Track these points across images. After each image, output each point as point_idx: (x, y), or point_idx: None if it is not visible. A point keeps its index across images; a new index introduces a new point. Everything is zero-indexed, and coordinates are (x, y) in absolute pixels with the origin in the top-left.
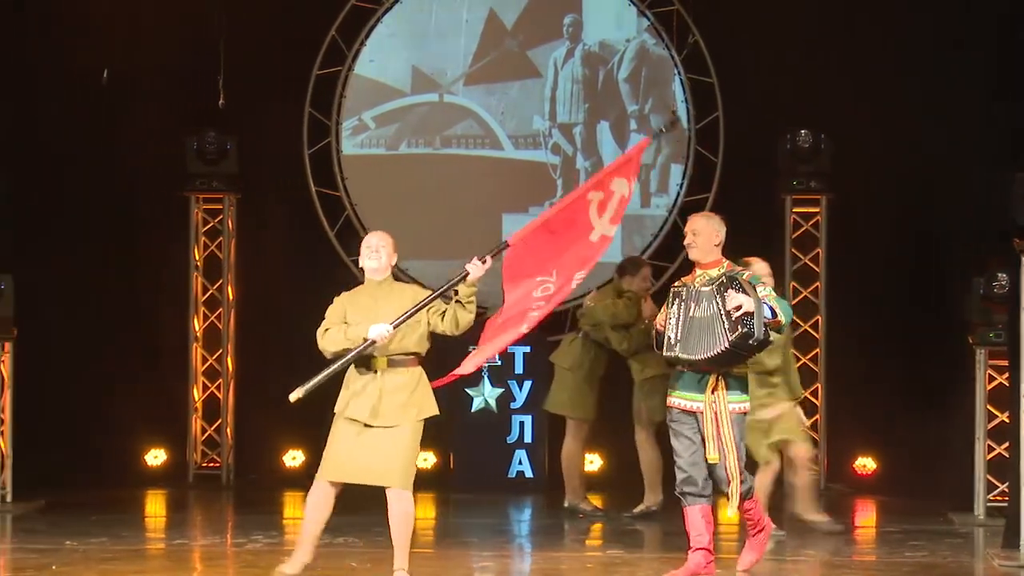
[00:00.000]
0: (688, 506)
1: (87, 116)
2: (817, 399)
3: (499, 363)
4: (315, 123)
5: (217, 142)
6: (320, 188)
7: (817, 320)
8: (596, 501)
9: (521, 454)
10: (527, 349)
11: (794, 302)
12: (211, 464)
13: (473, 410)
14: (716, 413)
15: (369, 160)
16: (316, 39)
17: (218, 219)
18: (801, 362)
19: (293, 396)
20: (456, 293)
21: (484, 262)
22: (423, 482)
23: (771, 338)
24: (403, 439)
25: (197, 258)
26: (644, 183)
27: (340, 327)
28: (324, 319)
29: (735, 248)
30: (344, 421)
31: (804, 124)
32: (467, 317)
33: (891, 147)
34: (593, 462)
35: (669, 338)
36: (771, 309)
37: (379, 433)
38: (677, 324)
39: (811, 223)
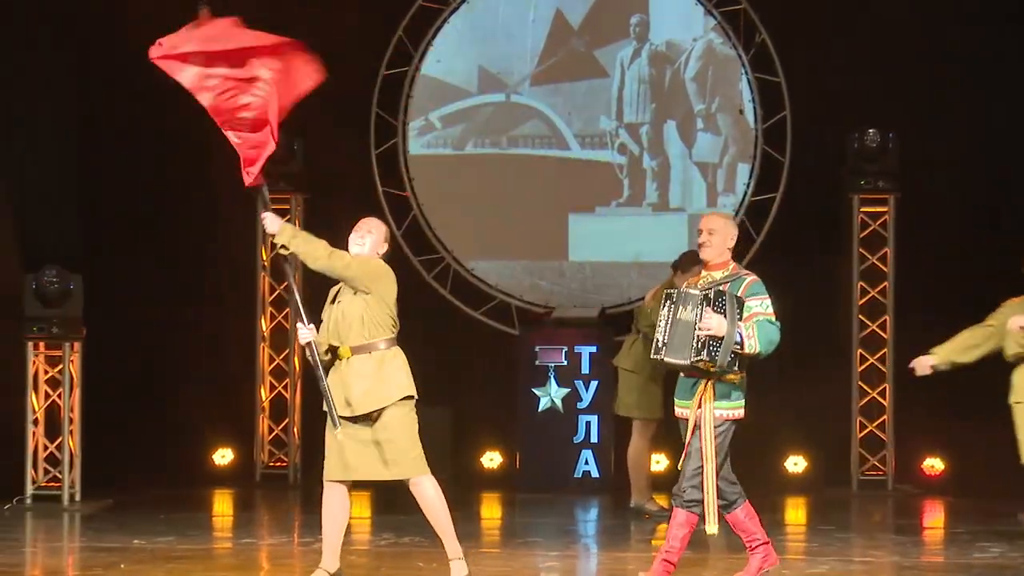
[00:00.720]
0: (676, 509)
1: (155, 116)
2: (885, 399)
3: (565, 363)
4: (382, 123)
5: (284, 142)
6: (387, 188)
7: (885, 320)
8: (662, 501)
9: (587, 454)
10: (593, 349)
11: (861, 302)
12: (278, 463)
13: (540, 410)
14: (698, 420)
15: (435, 160)
16: (383, 39)
17: (285, 219)
18: (869, 362)
19: (339, 434)
20: None
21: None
22: (490, 482)
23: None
24: (391, 427)
25: (264, 258)
26: (711, 183)
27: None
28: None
29: (802, 248)
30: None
31: (872, 123)
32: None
33: (959, 145)
34: (659, 462)
35: (657, 340)
36: (741, 338)
37: (365, 427)
38: (666, 327)
39: (879, 223)
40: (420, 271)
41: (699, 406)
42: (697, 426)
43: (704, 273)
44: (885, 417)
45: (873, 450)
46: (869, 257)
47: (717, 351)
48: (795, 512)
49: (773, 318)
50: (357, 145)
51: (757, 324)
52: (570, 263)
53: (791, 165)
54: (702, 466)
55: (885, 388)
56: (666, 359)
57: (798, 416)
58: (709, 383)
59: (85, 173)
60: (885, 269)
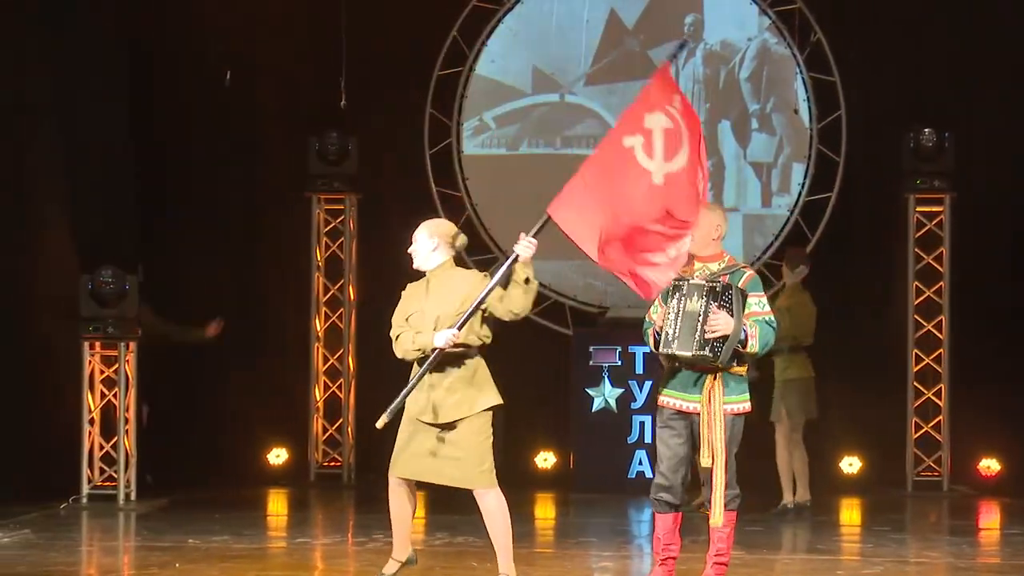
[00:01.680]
0: (661, 513)
1: (210, 117)
2: (941, 399)
3: (619, 363)
4: (436, 123)
5: (339, 143)
6: (441, 188)
7: (941, 320)
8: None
9: (641, 454)
10: (647, 349)
11: (917, 301)
12: (332, 463)
13: (593, 410)
14: (711, 414)
15: (490, 160)
16: (437, 39)
17: (339, 219)
18: (924, 363)
19: (380, 423)
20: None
21: (531, 240)
22: (543, 482)
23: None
24: (468, 437)
25: (319, 258)
26: (765, 183)
27: (408, 332)
28: (392, 323)
29: (857, 248)
30: (407, 419)
31: (928, 122)
32: (521, 300)
33: (1015, 145)
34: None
35: (667, 334)
36: (746, 335)
37: (444, 432)
38: (675, 319)
39: (935, 222)
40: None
41: (709, 401)
42: (705, 420)
43: (699, 265)
44: (940, 418)
45: (928, 451)
46: (924, 257)
47: (721, 348)
48: (850, 513)
49: (771, 317)
50: (412, 145)
51: (758, 324)
52: None
53: (846, 165)
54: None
55: (941, 388)
56: (677, 352)
57: (853, 417)
58: (718, 377)
59: (141, 174)
60: (941, 269)
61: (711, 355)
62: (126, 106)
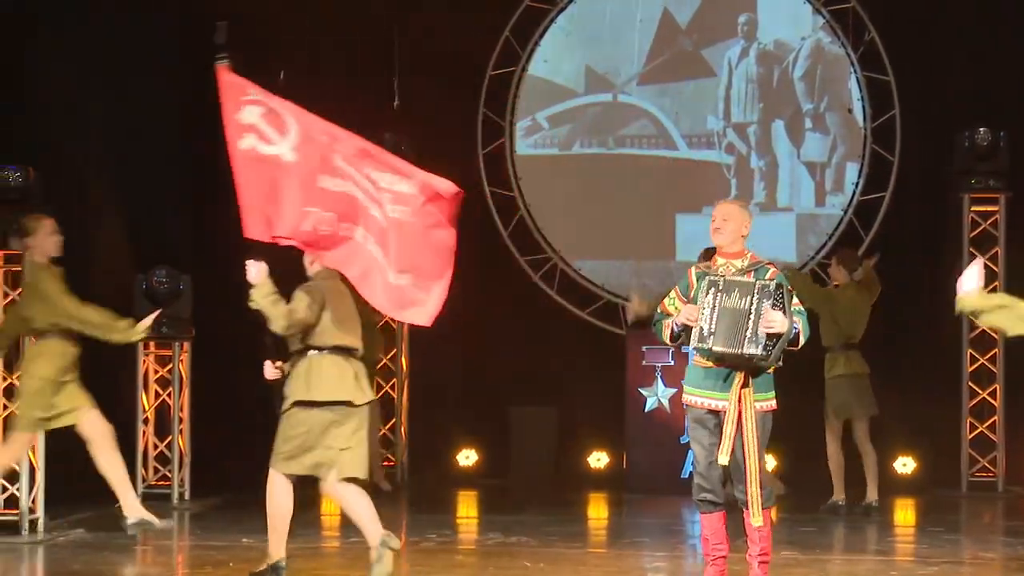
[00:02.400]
0: (706, 513)
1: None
2: (996, 400)
3: (672, 363)
4: (489, 123)
5: (392, 143)
6: (494, 188)
7: None
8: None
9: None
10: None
11: None
12: (385, 463)
13: (647, 410)
14: (740, 412)
15: (542, 160)
16: (490, 39)
17: None
18: (979, 363)
19: None
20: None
21: (250, 264)
22: (597, 482)
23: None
24: None
25: None
26: (819, 182)
27: None
28: None
29: (912, 248)
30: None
31: (982, 121)
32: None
33: None
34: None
35: (702, 329)
36: (796, 332)
37: None
38: (712, 315)
39: (989, 222)
40: (527, 271)
41: (740, 399)
42: (733, 418)
43: (722, 260)
44: (996, 418)
45: (983, 451)
46: (979, 256)
47: (773, 348)
48: (904, 513)
49: (803, 308)
50: (464, 145)
51: (800, 316)
52: (677, 263)
53: (900, 164)
54: (741, 460)
55: (996, 389)
56: (715, 348)
57: (907, 417)
58: (748, 375)
59: (196, 173)
60: (996, 269)
61: (763, 353)
62: (182, 108)
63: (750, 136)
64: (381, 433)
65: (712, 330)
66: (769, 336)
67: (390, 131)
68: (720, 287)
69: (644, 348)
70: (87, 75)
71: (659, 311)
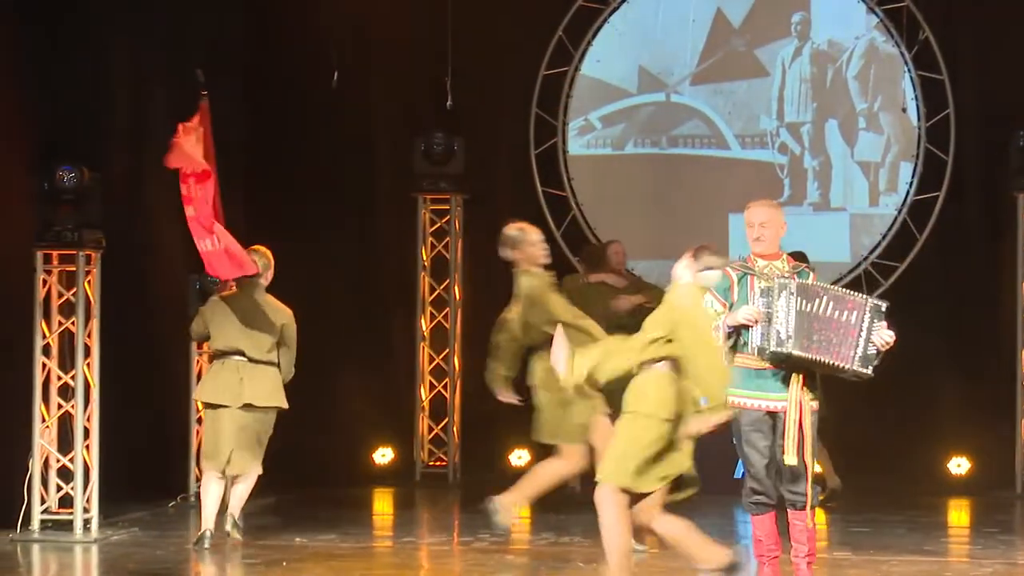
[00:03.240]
0: (759, 515)
1: (316, 117)
2: None
3: None
4: (541, 123)
5: (444, 143)
6: (546, 188)
7: None
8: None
9: None
10: None
11: None
12: (438, 463)
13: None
14: (800, 412)
15: (595, 160)
16: (543, 39)
17: (445, 219)
18: None
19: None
20: None
21: None
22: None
23: None
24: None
25: (424, 258)
26: (873, 182)
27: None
28: None
29: (966, 247)
30: None
31: None
32: None
33: None
34: None
35: (779, 332)
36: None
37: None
38: (787, 319)
39: None
40: (579, 270)
41: (799, 400)
42: (794, 418)
43: (763, 263)
44: None
45: None
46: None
47: (876, 365)
48: (958, 514)
49: None
50: (517, 145)
51: None
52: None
53: (954, 163)
54: (798, 460)
55: None
56: (794, 352)
57: (962, 418)
58: (803, 376)
59: (248, 172)
60: None
61: (870, 370)
62: (236, 105)
63: (803, 136)
64: (434, 433)
65: (789, 334)
66: (876, 357)
67: (443, 130)
68: (791, 290)
69: None
70: (144, 73)
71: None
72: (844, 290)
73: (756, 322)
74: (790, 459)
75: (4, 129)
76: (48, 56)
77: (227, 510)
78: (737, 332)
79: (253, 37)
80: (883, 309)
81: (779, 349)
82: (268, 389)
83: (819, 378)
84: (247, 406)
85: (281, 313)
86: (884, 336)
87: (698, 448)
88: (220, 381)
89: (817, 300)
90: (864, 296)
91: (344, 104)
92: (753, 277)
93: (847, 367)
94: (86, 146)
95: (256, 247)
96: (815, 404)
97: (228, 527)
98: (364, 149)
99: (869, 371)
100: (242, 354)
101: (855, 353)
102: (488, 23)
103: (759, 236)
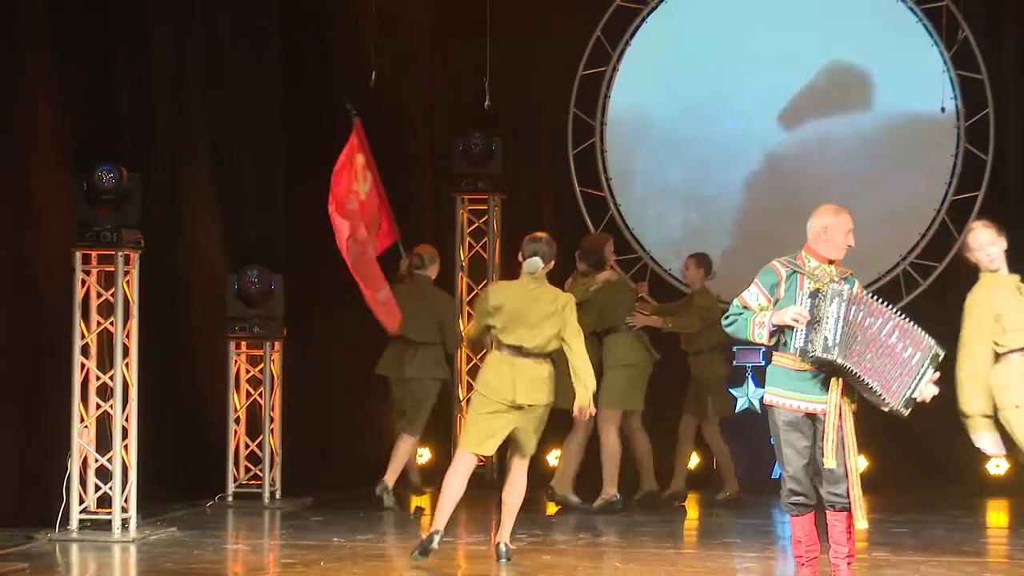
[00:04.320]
0: (798, 516)
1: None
2: None
3: (763, 364)
4: (579, 123)
5: (483, 143)
6: (584, 188)
7: None
8: None
9: None
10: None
11: None
12: (477, 464)
13: (737, 411)
14: (841, 415)
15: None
16: (581, 39)
17: (483, 219)
18: None
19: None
20: None
21: None
22: (687, 482)
23: None
24: None
25: (462, 258)
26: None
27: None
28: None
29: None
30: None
31: None
32: None
33: None
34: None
35: (826, 339)
36: None
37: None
38: (836, 326)
39: None
40: (617, 271)
41: (840, 403)
42: (833, 420)
43: (814, 262)
44: None
45: None
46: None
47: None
48: (996, 515)
49: None
50: (555, 145)
51: None
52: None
53: (994, 163)
54: (840, 462)
55: None
56: (837, 360)
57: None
58: (843, 380)
59: (289, 172)
60: None
61: (905, 411)
62: (278, 105)
63: None
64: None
65: (836, 341)
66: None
67: (481, 130)
68: (844, 297)
69: (734, 348)
70: (184, 75)
71: (736, 304)
72: (912, 323)
73: (802, 323)
74: (829, 462)
75: (43, 130)
76: (87, 56)
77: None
78: (780, 330)
79: (292, 38)
80: (940, 358)
81: (824, 355)
82: None
83: None
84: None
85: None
86: (930, 391)
87: (735, 450)
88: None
89: (880, 320)
90: (928, 338)
91: (382, 104)
92: (803, 276)
93: (891, 403)
94: (125, 146)
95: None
96: (854, 406)
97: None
98: (402, 149)
99: (906, 412)
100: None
101: (904, 393)
102: (526, 23)
103: (851, 243)
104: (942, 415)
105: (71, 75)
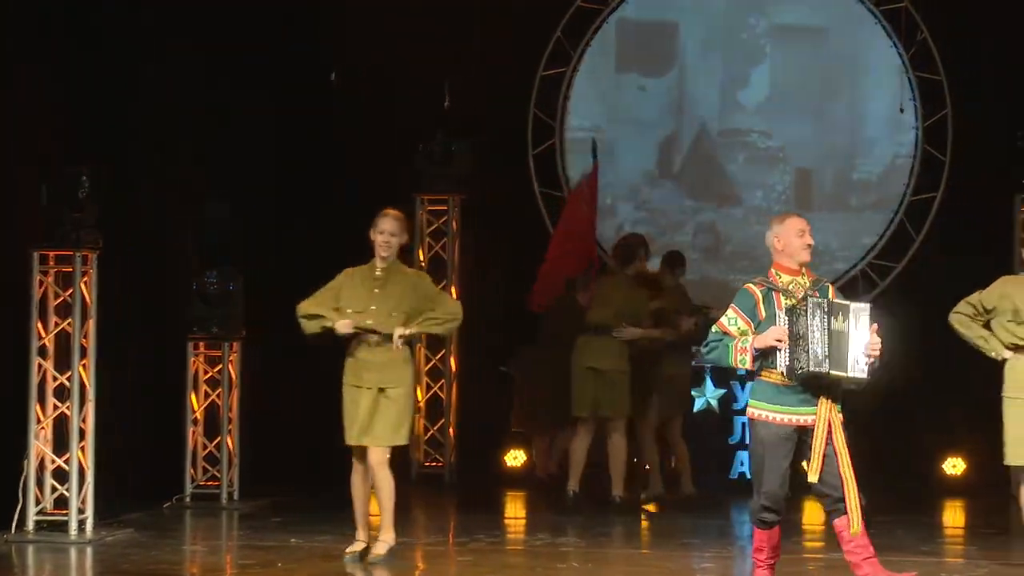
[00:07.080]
0: (767, 530)
1: (319, 118)
2: None
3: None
4: (539, 124)
5: (443, 144)
6: (544, 189)
7: None
8: None
9: (743, 455)
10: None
11: None
12: (434, 463)
13: (695, 411)
14: (830, 426)
15: None
16: (541, 41)
17: (443, 220)
18: None
19: None
20: None
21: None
22: (646, 482)
23: None
24: None
25: (422, 259)
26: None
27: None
28: None
29: (963, 248)
30: None
31: None
32: None
33: None
34: None
35: (816, 353)
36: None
37: None
38: (824, 338)
39: None
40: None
41: (830, 414)
42: (821, 433)
43: (787, 277)
44: None
45: None
46: None
47: (872, 370)
48: (953, 515)
49: None
50: (515, 146)
51: None
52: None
53: (952, 164)
54: (836, 472)
55: None
56: (832, 372)
57: (956, 419)
58: (838, 391)
59: (252, 174)
60: None
61: (869, 378)
62: (267, 106)
63: None
64: (430, 434)
65: (827, 353)
66: (872, 359)
67: (441, 131)
68: (824, 308)
69: (693, 349)
70: (150, 75)
71: (715, 330)
72: (842, 299)
73: (785, 343)
74: (813, 477)
75: (2, 129)
76: (46, 56)
77: None
78: (762, 353)
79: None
80: (869, 312)
81: (817, 370)
82: None
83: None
84: None
85: None
86: (875, 341)
87: (695, 451)
88: None
89: (841, 316)
90: (847, 301)
91: (343, 103)
92: (778, 294)
93: (851, 376)
94: (85, 147)
95: None
96: (841, 416)
97: None
98: (362, 149)
99: (865, 376)
100: None
101: (855, 362)
102: (486, 24)
103: (810, 241)
104: (898, 416)
105: (29, 75)
